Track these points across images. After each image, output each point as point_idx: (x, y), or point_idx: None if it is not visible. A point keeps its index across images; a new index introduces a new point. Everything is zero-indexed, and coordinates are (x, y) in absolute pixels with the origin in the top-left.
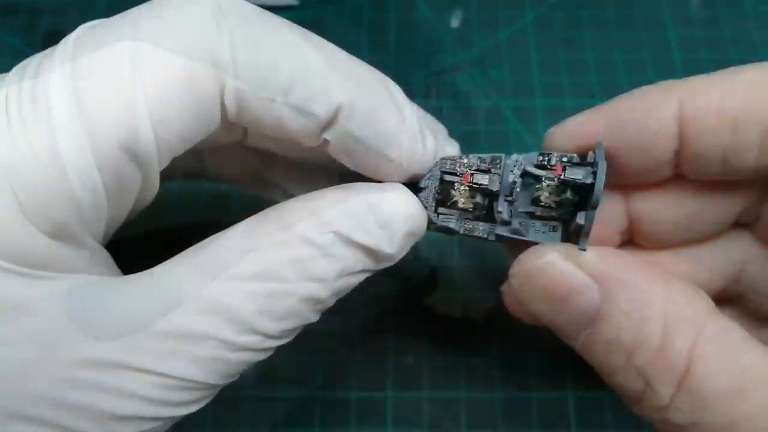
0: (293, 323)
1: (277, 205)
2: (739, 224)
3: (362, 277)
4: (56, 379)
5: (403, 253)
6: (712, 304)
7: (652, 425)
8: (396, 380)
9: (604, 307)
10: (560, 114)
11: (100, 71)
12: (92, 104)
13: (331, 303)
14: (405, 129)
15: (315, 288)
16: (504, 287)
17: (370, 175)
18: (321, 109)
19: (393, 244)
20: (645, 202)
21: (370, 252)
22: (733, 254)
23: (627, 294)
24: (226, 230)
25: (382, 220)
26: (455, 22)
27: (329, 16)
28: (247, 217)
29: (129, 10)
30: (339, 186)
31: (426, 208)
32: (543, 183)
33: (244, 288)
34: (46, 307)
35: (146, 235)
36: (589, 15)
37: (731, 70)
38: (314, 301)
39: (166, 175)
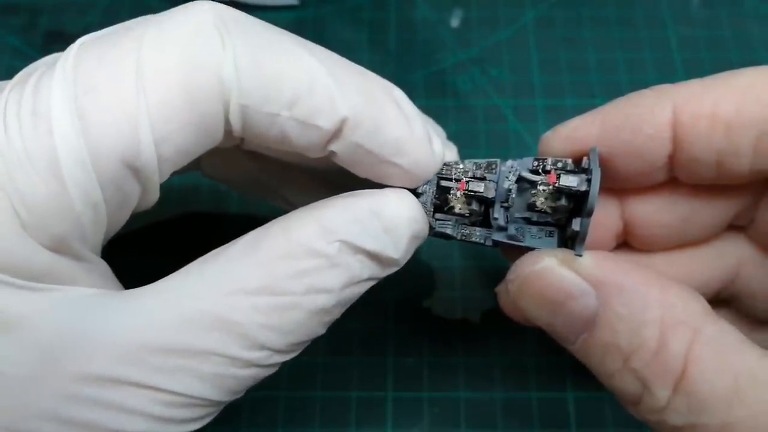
0: (300, 337)
1: (281, 216)
2: (734, 227)
3: (368, 285)
4: (58, 394)
5: (408, 257)
6: (708, 306)
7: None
8: (396, 380)
9: (600, 311)
10: (560, 114)
11: (103, 87)
12: (94, 120)
13: (337, 315)
14: (412, 136)
15: (322, 300)
16: (499, 288)
17: (379, 182)
18: (326, 122)
19: (399, 249)
20: (640, 205)
21: (376, 258)
22: (727, 257)
23: (623, 298)
24: (230, 243)
25: (386, 224)
26: (455, 22)
27: (329, 16)
28: (247, 216)
29: (132, 22)
30: (342, 194)
31: (425, 213)
32: (539, 188)
33: (250, 302)
34: (46, 320)
35: (145, 234)
36: (590, 14)
37: (726, 74)
38: (322, 313)
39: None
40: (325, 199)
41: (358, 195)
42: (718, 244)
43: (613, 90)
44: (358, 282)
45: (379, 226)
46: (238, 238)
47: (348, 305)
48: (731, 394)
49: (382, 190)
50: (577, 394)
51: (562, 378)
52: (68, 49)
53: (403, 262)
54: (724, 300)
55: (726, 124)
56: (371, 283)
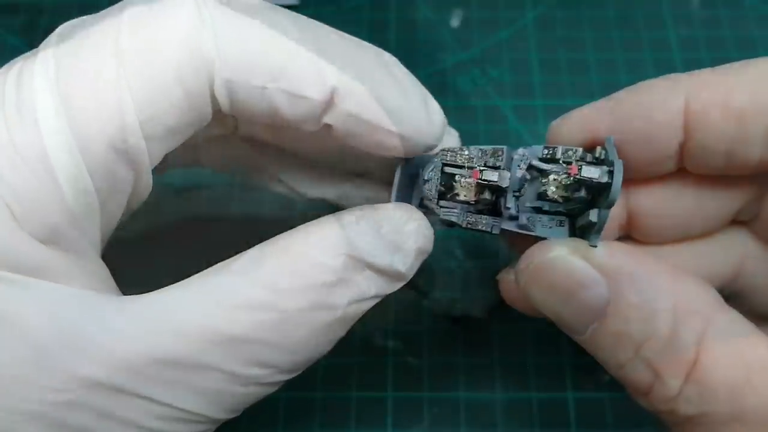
0: (305, 355)
1: (285, 232)
2: (739, 221)
3: (373, 302)
4: (51, 397)
5: (414, 271)
6: (719, 296)
7: (652, 425)
8: (396, 380)
9: (612, 300)
10: (560, 114)
11: (85, 72)
12: (78, 105)
13: (342, 333)
14: (407, 102)
15: (327, 317)
16: (501, 275)
17: (377, 153)
18: (315, 92)
19: (406, 263)
20: (645, 196)
21: (382, 272)
22: (731, 251)
23: (636, 287)
24: (234, 258)
25: (393, 239)
26: (455, 22)
27: (329, 16)
28: (247, 217)
29: (111, 7)
30: (347, 210)
31: (430, 200)
32: (549, 177)
33: (254, 318)
34: (40, 318)
35: (145, 235)
36: (589, 14)
37: (738, 64)
38: (327, 330)
39: (158, 168)
40: (330, 215)
41: (363, 209)
42: (721, 239)
43: (613, 90)
44: (365, 299)
45: (387, 242)
46: (241, 253)
47: (353, 322)
48: (743, 383)
49: (388, 204)
50: (577, 394)
51: (562, 378)
52: (50, 36)
53: (410, 276)
54: (727, 296)
55: (738, 113)
56: (377, 300)
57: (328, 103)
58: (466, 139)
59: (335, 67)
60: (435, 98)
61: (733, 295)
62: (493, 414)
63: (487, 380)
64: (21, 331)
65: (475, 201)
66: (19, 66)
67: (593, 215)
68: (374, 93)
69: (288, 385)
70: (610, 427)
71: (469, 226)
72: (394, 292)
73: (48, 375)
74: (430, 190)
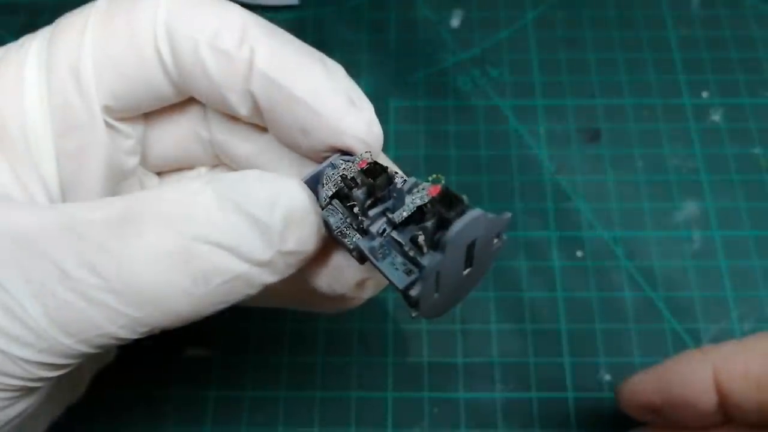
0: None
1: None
2: None
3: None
4: None
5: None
6: None
7: (650, 425)
8: (396, 380)
9: None
10: (560, 114)
11: (66, 63)
12: (58, 87)
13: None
14: (331, 84)
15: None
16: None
17: (303, 139)
18: (234, 48)
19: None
20: None
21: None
22: None
23: None
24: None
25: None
26: (455, 22)
27: (329, 16)
28: None
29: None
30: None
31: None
32: (427, 225)
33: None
34: None
35: None
36: (590, 14)
37: (756, 337)
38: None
39: (153, 166)
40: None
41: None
42: None
43: (613, 90)
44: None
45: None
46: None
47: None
48: None
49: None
50: (577, 394)
51: (562, 378)
52: (47, 27)
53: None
54: None
55: (756, 381)
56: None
57: (249, 63)
58: (466, 140)
59: (261, 33)
60: (435, 98)
61: None
62: (493, 414)
63: (487, 380)
64: None
65: (363, 218)
66: (19, 44)
67: (414, 290)
68: (297, 66)
69: (288, 385)
70: (610, 427)
71: (338, 235)
72: (395, 294)
73: None
74: (327, 183)
